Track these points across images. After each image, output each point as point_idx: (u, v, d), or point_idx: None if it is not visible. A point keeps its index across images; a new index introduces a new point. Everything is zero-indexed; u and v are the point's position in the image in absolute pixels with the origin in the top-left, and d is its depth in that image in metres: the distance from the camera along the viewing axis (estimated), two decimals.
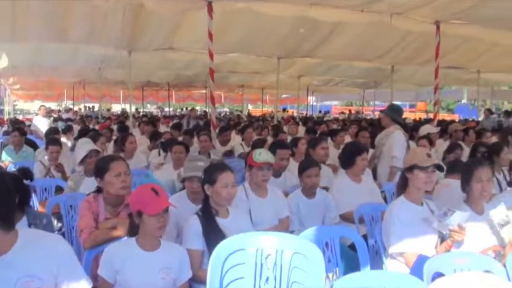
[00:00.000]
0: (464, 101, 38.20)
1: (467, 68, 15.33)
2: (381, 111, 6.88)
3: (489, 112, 15.07)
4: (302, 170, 4.26)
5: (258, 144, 5.63)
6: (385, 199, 4.90)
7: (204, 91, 24.97)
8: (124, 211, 3.26)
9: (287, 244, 2.82)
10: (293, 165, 5.71)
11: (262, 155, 3.90)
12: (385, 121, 6.19)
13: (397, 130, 6.00)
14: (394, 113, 6.14)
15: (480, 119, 17.56)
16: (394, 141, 5.91)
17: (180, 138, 8.04)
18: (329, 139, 7.55)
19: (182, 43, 10.67)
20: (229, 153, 7.49)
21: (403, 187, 3.41)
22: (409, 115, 28.39)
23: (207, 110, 20.71)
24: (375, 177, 5.96)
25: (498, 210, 3.52)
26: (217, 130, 8.27)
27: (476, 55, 12.83)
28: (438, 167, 3.37)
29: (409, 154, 3.51)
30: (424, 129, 8.12)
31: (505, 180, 5.01)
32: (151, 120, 13.74)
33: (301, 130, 10.54)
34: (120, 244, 2.84)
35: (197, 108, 36.02)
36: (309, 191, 4.26)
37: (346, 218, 4.30)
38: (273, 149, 4.71)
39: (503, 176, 5.16)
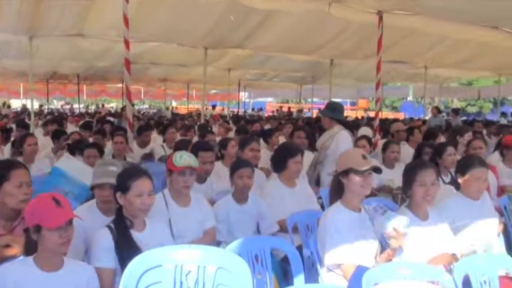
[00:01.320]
0: (410, 98, 39.86)
1: (413, 63, 16.01)
2: (320, 111, 7.05)
3: (436, 110, 15.81)
4: (233, 170, 4.32)
5: (182, 146, 5.62)
6: (322, 206, 5.02)
7: (120, 85, 24.48)
8: (21, 225, 3.15)
9: (210, 259, 2.83)
10: (222, 170, 5.76)
11: (184, 158, 3.90)
12: (325, 122, 6.32)
13: (342, 130, 6.15)
14: (333, 112, 6.28)
15: (427, 117, 18.35)
16: (340, 142, 6.06)
17: (91, 140, 7.85)
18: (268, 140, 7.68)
19: (94, 29, 10.43)
20: (149, 156, 7.41)
21: (337, 192, 3.50)
22: (350, 114, 29.21)
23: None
24: (318, 184, 6.09)
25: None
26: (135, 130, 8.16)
27: (422, 49, 13.42)
28: (376, 170, 3.51)
29: (342, 156, 3.59)
30: (362, 131, 8.39)
31: (452, 183, 5.20)
32: (57, 118, 13.31)
33: (233, 130, 10.59)
34: (14, 265, 2.74)
35: (112, 105, 35.26)
36: (240, 195, 4.31)
37: (281, 227, 4.38)
38: (194, 151, 4.71)
39: (451, 178, 5.39)
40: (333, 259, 3.34)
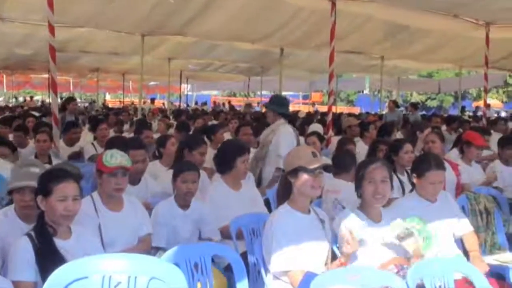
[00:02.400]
0: (366, 91, 40.59)
1: (369, 53, 16.33)
2: (265, 105, 7.13)
3: (394, 104, 16.12)
4: (177, 173, 4.31)
5: (115, 143, 5.53)
6: (269, 207, 5.05)
7: (46, 75, 23.92)
8: None
9: (142, 268, 2.81)
10: (160, 170, 5.73)
11: (115, 158, 3.85)
12: (269, 116, 6.42)
13: (284, 125, 6.24)
14: (278, 106, 6.38)
15: (384, 112, 18.76)
16: (281, 137, 6.14)
17: (11, 136, 7.67)
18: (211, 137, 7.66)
19: (15, 12, 10.18)
20: (77, 156, 7.28)
21: (285, 193, 3.54)
22: (303, 108, 29.57)
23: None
24: (260, 183, 6.13)
25: (396, 223, 3.77)
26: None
27: (379, 39, 13.70)
28: (327, 168, 3.56)
29: (290, 154, 3.63)
30: (313, 127, 8.48)
31: (409, 181, 5.34)
32: None
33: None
34: None
35: (37, 98, 34.35)
36: (182, 200, 4.30)
37: (222, 233, 4.39)
38: (123, 149, 4.61)
39: (407, 178, 5.52)
40: (279, 265, 3.38)
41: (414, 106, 17.70)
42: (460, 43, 14.01)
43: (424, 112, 29.37)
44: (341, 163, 5.23)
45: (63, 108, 10.44)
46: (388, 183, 3.66)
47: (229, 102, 31.58)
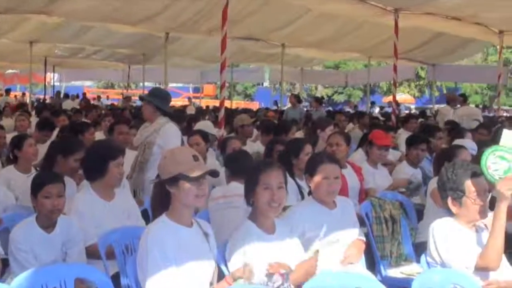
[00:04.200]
0: (266, 84, 41.26)
1: (268, 40, 16.58)
2: (141, 98, 7.03)
3: (295, 99, 16.32)
4: (37, 187, 4.11)
5: None
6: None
7: None
8: None
9: None
10: (15, 177, 5.53)
11: None
12: (148, 111, 6.31)
13: (168, 123, 6.18)
14: (159, 99, 6.29)
15: (286, 107, 19.05)
16: (169, 138, 6.07)
17: None
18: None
19: None
20: None
21: (162, 203, 3.50)
22: (191, 102, 29.50)
23: None
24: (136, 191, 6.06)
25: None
26: None
27: (280, 24, 13.94)
28: (213, 174, 3.56)
29: (167, 158, 3.53)
30: (200, 125, 8.38)
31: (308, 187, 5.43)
32: None
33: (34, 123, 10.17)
34: None
35: None
36: (46, 220, 4.12)
37: (90, 253, 4.27)
38: None
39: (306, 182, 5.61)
40: (156, 287, 3.35)
41: (319, 101, 17.89)
42: (368, 30, 14.57)
43: (330, 108, 30.10)
44: (235, 164, 5.27)
45: None
46: (283, 190, 3.72)
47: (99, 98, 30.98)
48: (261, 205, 3.69)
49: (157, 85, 25.35)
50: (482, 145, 5.40)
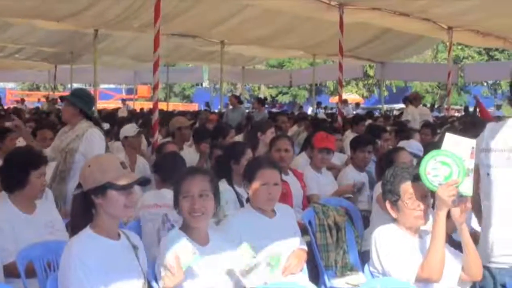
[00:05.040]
0: (205, 84, 41.15)
1: (206, 37, 16.55)
2: (62, 98, 6.90)
3: (236, 100, 16.28)
4: None
5: None
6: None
7: None
8: None
9: None
10: None
11: None
12: (68, 114, 6.15)
13: (92, 128, 6.07)
14: (82, 101, 6.18)
15: (226, 109, 19.03)
16: (94, 145, 5.98)
17: None
18: None
19: None
20: None
21: (85, 214, 3.45)
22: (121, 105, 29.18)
23: None
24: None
25: (242, 250, 3.82)
26: None
27: (218, 19, 13.91)
28: (142, 183, 3.53)
29: (92, 166, 3.48)
30: (124, 132, 8.20)
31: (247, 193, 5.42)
32: None
33: None
34: None
35: None
36: None
37: (8, 271, 4.17)
38: None
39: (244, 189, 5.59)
40: None
41: (261, 102, 17.86)
42: (313, 27, 14.68)
43: (275, 110, 30.19)
44: (164, 170, 5.23)
45: None
46: (209, 198, 3.69)
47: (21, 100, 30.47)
48: (183, 215, 3.69)
49: (87, 86, 25.06)
50: (428, 147, 5.52)
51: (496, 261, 3.86)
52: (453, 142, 3.57)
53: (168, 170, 5.19)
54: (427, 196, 3.70)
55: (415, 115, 13.37)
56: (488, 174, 3.93)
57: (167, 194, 4.89)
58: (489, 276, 3.85)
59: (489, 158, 3.99)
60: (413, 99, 14.39)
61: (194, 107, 33.36)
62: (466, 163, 3.48)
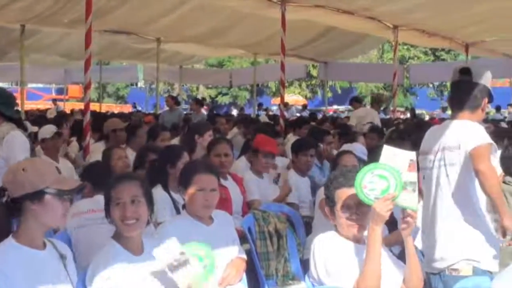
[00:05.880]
0: (141, 84, 40.84)
1: (142, 34, 16.43)
2: None
3: (173, 101, 16.21)
4: None
5: None
6: None
7: None
8: None
9: None
10: None
11: None
12: None
13: (14, 131, 5.94)
14: (2, 102, 6.04)
15: (162, 111, 18.94)
16: (16, 149, 5.86)
17: None
18: None
19: None
20: None
21: (7, 224, 3.35)
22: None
23: None
24: None
25: (168, 246, 3.78)
26: None
27: (154, 15, 13.82)
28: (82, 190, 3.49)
29: (27, 170, 3.36)
30: (40, 134, 8.04)
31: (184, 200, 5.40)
32: None
33: None
34: None
35: None
36: None
37: None
38: None
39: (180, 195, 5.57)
40: None
41: (199, 103, 17.84)
42: (254, 24, 14.68)
43: (215, 112, 30.14)
44: (96, 175, 5.18)
45: None
46: (141, 203, 3.67)
47: None
48: (116, 223, 3.65)
49: (14, 86, 24.63)
50: (373, 151, 5.58)
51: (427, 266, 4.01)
52: (391, 155, 3.59)
53: (99, 176, 5.12)
54: (363, 204, 3.62)
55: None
56: (424, 178, 4.01)
57: (101, 200, 4.88)
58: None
59: (422, 161, 4.11)
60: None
61: (128, 108, 33.05)
62: (403, 176, 3.50)
